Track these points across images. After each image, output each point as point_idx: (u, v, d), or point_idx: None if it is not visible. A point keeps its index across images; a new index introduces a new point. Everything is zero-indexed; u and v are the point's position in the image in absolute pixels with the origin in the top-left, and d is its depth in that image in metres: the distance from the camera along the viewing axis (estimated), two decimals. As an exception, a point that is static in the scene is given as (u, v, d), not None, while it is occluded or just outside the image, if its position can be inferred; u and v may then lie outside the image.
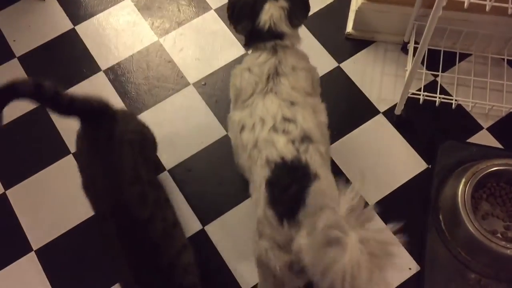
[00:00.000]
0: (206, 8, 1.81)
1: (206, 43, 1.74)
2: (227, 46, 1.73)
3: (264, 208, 1.05)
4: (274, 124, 1.09)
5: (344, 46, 1.71)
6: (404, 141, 1.54)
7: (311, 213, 0.98)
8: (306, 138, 1.08)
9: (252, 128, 1.12)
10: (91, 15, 1.81)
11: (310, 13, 1.72)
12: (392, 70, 1.65)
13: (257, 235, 1.10)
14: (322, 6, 1.78)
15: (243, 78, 1.19)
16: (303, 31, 1.72)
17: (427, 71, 1.61)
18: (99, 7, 1.83)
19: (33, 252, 1.45)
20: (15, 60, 1.73)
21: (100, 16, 1.81)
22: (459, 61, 1.63)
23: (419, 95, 1.51)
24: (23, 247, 1.46)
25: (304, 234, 0.95)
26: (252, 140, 1.11)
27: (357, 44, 1.71)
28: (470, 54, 1.65)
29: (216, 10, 1.79)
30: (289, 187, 1.02)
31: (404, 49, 1.66)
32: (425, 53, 1.57)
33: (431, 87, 1.59)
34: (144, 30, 1.78)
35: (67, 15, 1.81)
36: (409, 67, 1.53)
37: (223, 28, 1.76)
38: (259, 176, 1.08)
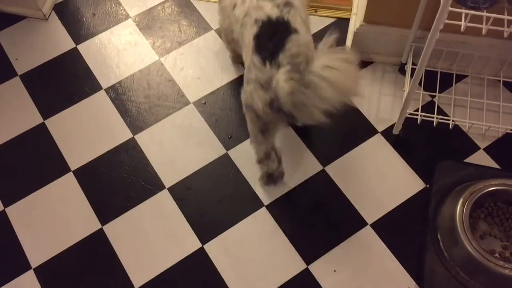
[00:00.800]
0: (207, 28, 1.83)
1: (206, 63, 1.77)
2: (227, 66, 1.76)
3: (251, 56, 1.24)
4: None
5: (342, 67, 1.74)
6: (402, 160, 1.56)
7: (289, 56, 1.18)
8: (288, 4, 1.26)
9: (243, 2, 1.31)
10: (93, 34, 1.83)
11: (309, 34, 1.79)
12: (390, 91, 1.68)
13: (244, 83, 1.29)
14: (321, 27, 1.81)
15: None
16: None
17: (425, 92, 1.63)
18: (101, 26, 1.86)
19: (31, 270, 1.45)
20: (17, 78, 1.75)
21: (102, 36, 1.83)
22: (456, 82, 1.66)
23: (417, 115, 1.53)
24: (22, 265, 1.46)
25: (282, 71, 1.14)
26: (244, 10, 1.30)
27: (355, 65, 1.74)
28: (467, 76, 1.67)
29: (217, 31, 1.82)
30: (273, 36, 1.21)
31: (402, 70, 1.69)
32: (422, 74, 1.60)
33: (428, 107, 1.61)
34: (145, 50, 1.80)
35: (69, 34, 1.83)
36: (407, 88, 1.55)
37: (223, 48, 1.78)
38: (248, 36, 1.27)
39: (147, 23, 1.86)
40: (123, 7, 1.89)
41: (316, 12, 1.85)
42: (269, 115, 1.24)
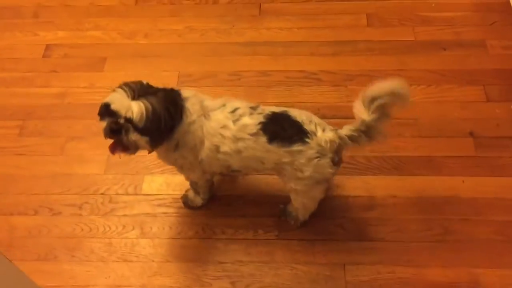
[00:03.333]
0: None
1: None
2: None
3: (290, 150, 1.35)
4: (233, 120, 1.38)
5: None
6: None
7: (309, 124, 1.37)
8: (254, 107, 1.41)
9: (222, 137, 1.38)
10: None
11: None
12: None
13: (299, 176, 1.39)
14: None
15: (195, 132, 1.38)
16: None
17: None
18: None
19: None
20: None
21: None
22: None
23: None
24: None
25: (322, 134, 1.36)
26: (231, 138, 1.37)
27: None
28: None
29: None
30: (283, 127, 1.36)
31: None
32: None
33: None
34: None
35: None
36: None
37: None
38: (261, 148, 1.37)
39: None
40: None
41: None
42: (334, 171, 1.40)
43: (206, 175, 1.59)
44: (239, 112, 1.38)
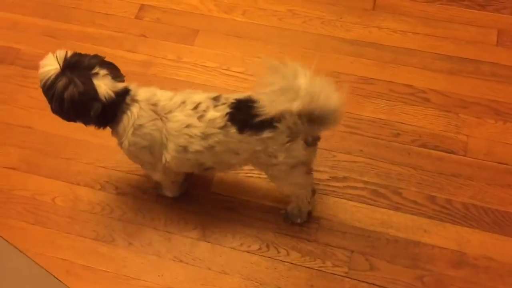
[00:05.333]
0: None
1: None
2: None
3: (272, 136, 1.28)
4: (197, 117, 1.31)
5: None
6: None
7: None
8: (217, 98, 1.33)
9: (189, 137, 1.31)
10: None
11: None
12: None
13: (280, 157, 1.30)
14: None
15: (144, 136, 1.35)
16: None
17: None
18: None
19: None
20: None
21: None
22: None
23: None
24: None
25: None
26: (199, 136, 1.31)
27: None
28: None
29: None
30: (250, 116, 1.25)
31: None
32: None
33: None
34: None
35: None
36: None
37: None
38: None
39: None
40: None
41: None
42: (308, 153, 1.32)
43: (170, 177, 1.52)
44: (202, 107, 1.31)
